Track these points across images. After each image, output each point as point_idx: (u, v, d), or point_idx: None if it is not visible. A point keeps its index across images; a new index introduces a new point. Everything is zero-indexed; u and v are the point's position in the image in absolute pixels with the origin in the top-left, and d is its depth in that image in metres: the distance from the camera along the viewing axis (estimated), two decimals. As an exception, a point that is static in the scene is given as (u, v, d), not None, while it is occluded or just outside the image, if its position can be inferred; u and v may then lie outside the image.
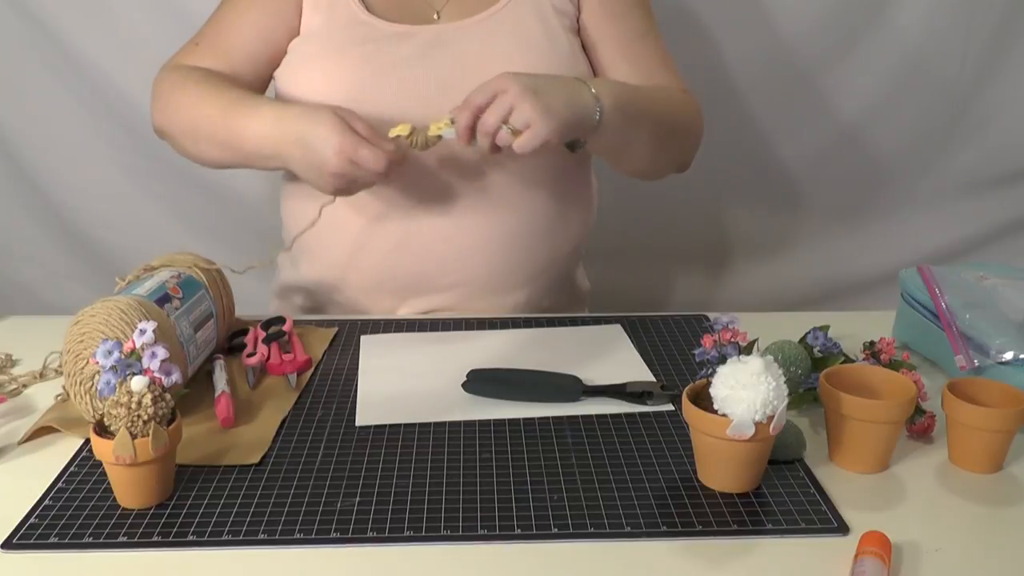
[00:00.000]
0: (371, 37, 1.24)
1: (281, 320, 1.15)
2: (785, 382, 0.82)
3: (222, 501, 0.83)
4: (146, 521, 0.80)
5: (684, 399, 0.84)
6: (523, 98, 1.06)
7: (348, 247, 1.27)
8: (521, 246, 1.28)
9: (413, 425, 0.95)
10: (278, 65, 1.29)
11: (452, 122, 1.10)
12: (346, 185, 1.12)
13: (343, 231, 1.27)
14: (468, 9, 1.27)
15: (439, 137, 1.12)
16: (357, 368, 1.09)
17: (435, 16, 1.28)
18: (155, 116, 1.29)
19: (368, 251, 1.27)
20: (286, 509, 0.82)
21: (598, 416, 0.97)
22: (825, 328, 1.03)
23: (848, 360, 1.01)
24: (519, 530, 0.79)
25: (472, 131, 1.09)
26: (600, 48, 1.31)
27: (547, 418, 0.97)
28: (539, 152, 1.08)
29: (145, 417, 0.79)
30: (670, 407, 0.99)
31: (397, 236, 1.25)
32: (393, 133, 1.12)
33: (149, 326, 0.83)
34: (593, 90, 1.13)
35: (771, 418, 0.80)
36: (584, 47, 1.31)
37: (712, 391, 0.82)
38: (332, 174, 1.09)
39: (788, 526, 0.80)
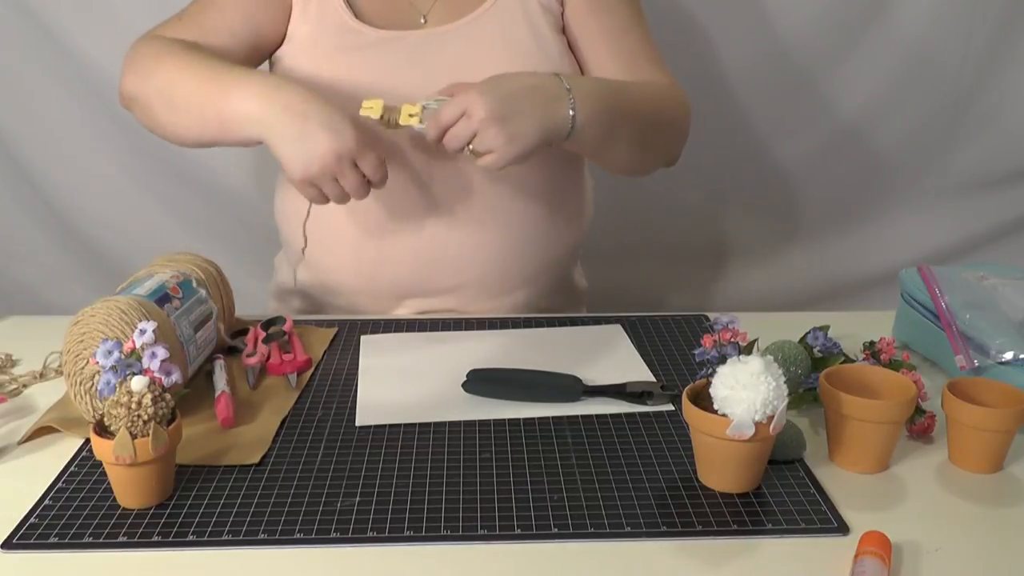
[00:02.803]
0: (360, 44, 1.24)
1: (281, 320, 1.15)
2: (785, 382, 0.82)
3: (222, 501, 0.83)
4: (146, 521, 0.80)
5: (684, 399, 0.84)
6: (488, 124, 1.06)
7: (344, 252, 1.27)
8: (516, 250, 1.27)
9: (413, 425, 0.95)
10: (258, 57, 1.28)
11: (424, 108, 1.11)
12: (323, 179, 1.08)
13: (340, 236, 1.26)
14: (454, 12, 1.27)
15: (409, 126, 1.12)
16: (357, 368, 1.09)
17: (422, 20, 1.28)
18: (128, 81, 1.23)
19: (364, 256, 1.26)
20: (286, 509, 0.82)
21: (598, 416, 0.97)
22: (825, 328, 1.03)
23: (848, 360, 1.01)
24: (519, 530, 0.79)
25: (439, 141, 1.10)
26: (584, 43, 1.30)
27: (547, 418, 0.97)
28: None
29: (145, 417, 0.79)
30: (670, 407, 0.99)
31: (392, 241, 1.25)
32: (364, 108, 1.11)
33: (149, 326, 0.83)
34: (571, 98, 1.11)
35: (771, 418, 0.80)
36: (569, 43, 1.30)
37: (712, 391, 0.82)
38: (321, 156, 1.06)
39: (788, 526, 0.80)
